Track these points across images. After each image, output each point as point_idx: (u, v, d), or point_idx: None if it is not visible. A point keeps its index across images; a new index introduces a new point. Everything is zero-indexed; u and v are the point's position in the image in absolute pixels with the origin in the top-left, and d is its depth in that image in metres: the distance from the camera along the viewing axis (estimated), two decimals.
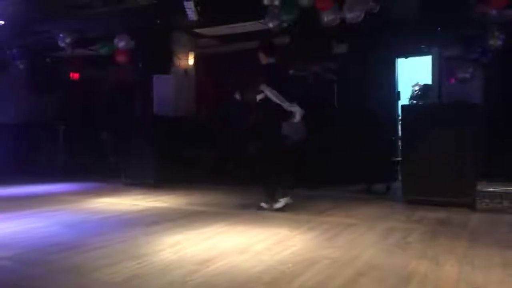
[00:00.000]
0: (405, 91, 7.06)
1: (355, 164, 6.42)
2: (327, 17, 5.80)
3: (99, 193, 6.18)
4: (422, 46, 6.26)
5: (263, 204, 4.73)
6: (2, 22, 7.42)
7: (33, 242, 3.42)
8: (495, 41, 5.35)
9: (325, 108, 7.61)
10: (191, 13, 6.57)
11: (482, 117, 5.20)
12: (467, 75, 5.49)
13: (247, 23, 7.00)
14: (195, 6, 6.50)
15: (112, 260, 2.89)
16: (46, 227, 3.96)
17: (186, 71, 8.05)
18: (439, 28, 5.47)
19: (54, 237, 3.58)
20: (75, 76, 9.75)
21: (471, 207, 4.65)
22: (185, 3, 6.54)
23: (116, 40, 7.56)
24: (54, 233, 3.74)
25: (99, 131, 9.06)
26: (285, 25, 6.14)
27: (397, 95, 7.24)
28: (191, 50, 8.18)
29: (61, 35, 7.78)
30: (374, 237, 3.53)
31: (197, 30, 7.71)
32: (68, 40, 7.76)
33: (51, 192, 6.42)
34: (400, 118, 5.93)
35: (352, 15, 5.57)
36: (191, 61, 8.18)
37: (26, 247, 3.25)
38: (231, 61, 8.21)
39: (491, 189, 4.63)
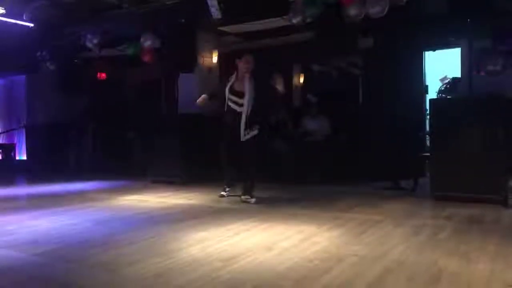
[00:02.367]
0: (433, 85, 6.92)
1: (382, 160, 6.33)
2: (351, 12, 5.72)
3: (127, 191, 6.30)
4: (451, 39, 6.10)
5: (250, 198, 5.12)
6: (32, 25, 7.63)
7: (64, 239, 3.50)
8: None
9: (349, 104, 7.54)
10: (215, 11, 6.60)
11: None
12: (498, 68, 5.32)
13: (271, 20, 6.98)
14: (219, 4, 6.53)
15: (140, 257, 2.94)
16: (77, 224, 4.05)
17: (210, 69, 8.10)
18: (468, 20, 5.31)
19: (85, 234, 3.67)
20: (102, 76, 9.94)
21: (503, 203, 4.51)
22: (209, 2, 6.57)
23: (142, 40, 7.67)
24: (84, 230, 3.83)
25: (126, 130, 9.24)
26: (308, 20, 6.09)
27: (425, 89, 7.09)
28: (214, 48, 8.22)
29: (88, 36, 7.95)
30: (402, 233, 3.47)
31: (221, 28, 7.74)
32: (95, 41, 7.92)
33: (81, 190, 6.58)
34: (428, 112, 5.82)
35: (376, 10, 5.48)
36: (215, 59, 8.22)
37: (58, 244, 3.34)
38: (254, 57, 8.19)
39: None
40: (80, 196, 5.92)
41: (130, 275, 2.60)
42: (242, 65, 5.20)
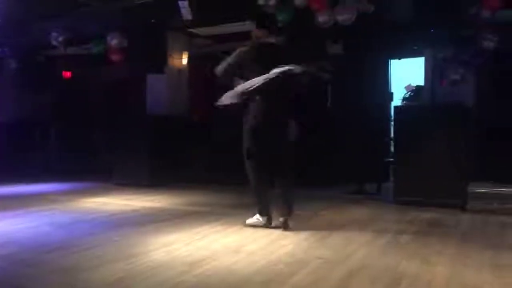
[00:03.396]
0: (399, 92, 7.11)
1: (348, 164, 6.45)
2: (321, 19, 5.82)
3: (91, 193, 6.15)
4: (415, 47, 6.30)
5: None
6: None
7: (24, 242, 3.39)
8: (488, 43, 5.40)
9: (319, 108, 7.64)
10: (186, 12, 6.56)
11: (474, 119, 5.24)
12: (458, 77, 5.54)
13: (242, 23, 6.99)
14: (190, 5, 6.49)
15: (103, 261, 2.87)
16: (37, 227, 3.93)
17: (180, 70, 8.04)
18: (432, 30, 5.50)
19: (45, 237, 3.55)
20: (67, 74, 9.69)
21: (462, 208, 4.69)
22: (180, 3, 6.52)
23: (108, 38, 7.52)
24: (45, 233, 3.71)
25: (92, 131, 9.02)
26: (280, 25, 6.14)
27: (390, 96, 7.28)
28: (185, 49, 8.17)
29: (54, 33, 7.74)
30: (366, 237, 3.54)
31: (192, 30, 7.70)
32: (60, 38, 7.72)
33: (43, 191, 6.37)
34: (392, 119, 5.97)
35: (344, 17, 5.60)
36: (185, 60, 8.17)
37: (17, 247, 3.23)
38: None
39: (482, 190, 4.68)
40: (42, 198, 5.74)
41: (91, 280, 2.54)
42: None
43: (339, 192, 6.07)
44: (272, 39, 3.99)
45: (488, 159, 5.29)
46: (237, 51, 3.88)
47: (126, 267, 2.73)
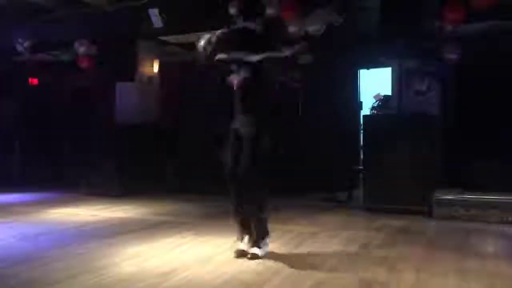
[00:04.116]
0: (368, 101, 7.26)
1: (318, 172, 6.52)
2: (292, 28, 5.89)
3: (57, 204, 5.97)
4: (382, 58, 6.46)
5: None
6: None
7: None
8: (451, 55, 5.59)
9: (289, 117, 7.70)
10: (156, 20, 6.52)
11: (439, 128, 5.41)
12: (423, 88, 5.71)
13: (213, 31, 7.00)
14: (160, 13, 6.45)
15: (70, 273, 2.79)
16: (2, 239, 3.78)
17: (150, 78, 7.95)
18: (397, 41, 5.67)
19: (9, 250, 3.43)
20: (34, 81, 9.42)
21: (429, 215, 4.81)
22: (150, 10, 6.48)
23: (76, 45, 7.37)
24: (9, 245, 3.59)
25: (59, 139, 8.79)
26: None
27: (360, 105, 7.42)
28: (155, 58, 8.09)
29: (19, 39, 7.53)
30: (335, 245, 3.59)
31: (162, 38, 7.64)
32: (26, 44, 7.52)
33: (7, 202, 6.14)
34: (362, 127, 6.09)
35: (314, 28, 5.69)
36: (155, 68, 8.09)
37: None
38: (196, 69, 8.18)
39: (448, 197, 4.82)
40: (5, 209, 5.53)
41: None
42: None
43: (310, 200, 6.12)
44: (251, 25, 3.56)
45: (452, 167, 5.46)
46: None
47: (94, 280, 2.67)
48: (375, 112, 6.49)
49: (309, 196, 6.35)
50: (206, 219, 4.78)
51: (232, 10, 6.01)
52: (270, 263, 3.05)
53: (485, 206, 4.64)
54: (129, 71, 7.64)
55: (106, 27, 7.18)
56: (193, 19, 6.65)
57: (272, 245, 3.54)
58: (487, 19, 5.28)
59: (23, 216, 4.99)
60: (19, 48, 7.62)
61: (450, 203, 4.76)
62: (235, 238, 3.74)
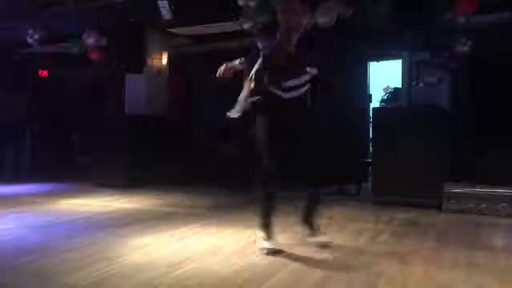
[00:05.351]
0: (377, 94, 7.21)
1: (327, 165, 6.50)
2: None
3: (68, 194, 6.04)
4: (393, 51, 6.40)
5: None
6: None
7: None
8: (462, 47, 5.52)
9: None
10: (165, 12, 6.51)
11: (449, 121, 5.36)
12: (434, 80, 5.66)
13: (222, 24, 6.98)
14: (170, 5, 6.43)
15: (80, 263, 2.83)
16: (12, 229, 3.84)
17: (159, 70, 7.97)
18: (408, 33, 5.61)
19: (20, 240, 3.48)
20: (44, 73, 9.49)
21: (439, 208, 4.78)
22: (159, 2, 6.46)
23: (84, 36, 7.39)
24: (20, 236, 3.63)
25: (70, 130, 8.87)
26: (260, 26, 6.15)
27: (369, 98, 7.37)
28: (165, 49, 8.10)
29: (29, 31, 7.57)
30: (344, 238, 3.58)
31: (171, 30, 7.64)
32: (36, 36, 7.56)
33: (19, 193, 6.23)
34: (371, 120, 6.05)
35: (324, 20, 5.64)
36: (164, 60, 8.10)
37: None
38: (205, 61, 8.18)
39: (458, 190, 4.78)
40: (17, 199, 5.61)
41: (68, 283, 2.50)
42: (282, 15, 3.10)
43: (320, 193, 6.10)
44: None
45: (463, 160, 5.41)
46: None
47: (103, 270, 2.70)
48: (384, 104, 6.45)
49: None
50: (214, 211, 4.80)
51: (241, 2, 6.00)
52: (278, 255, 3.05)
53: (496, 200, 4.60)
54: (138, 63, 7.67)
55: (115, 19, 7.19)
56: (202, 11, 6.63)
57: (281, 237, 3.55)
58: (499, 10, 5.20)
59: (35, 206, 5.06)
60: (29, 40, 7.67)
61: (460, 196, 4.72)
62: (244, 230, 3.76)
